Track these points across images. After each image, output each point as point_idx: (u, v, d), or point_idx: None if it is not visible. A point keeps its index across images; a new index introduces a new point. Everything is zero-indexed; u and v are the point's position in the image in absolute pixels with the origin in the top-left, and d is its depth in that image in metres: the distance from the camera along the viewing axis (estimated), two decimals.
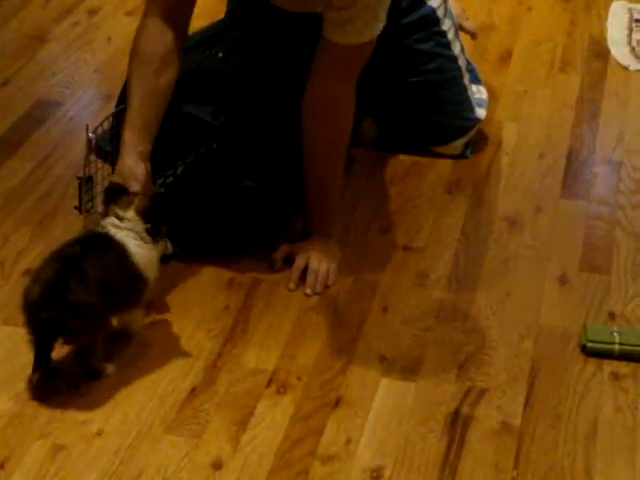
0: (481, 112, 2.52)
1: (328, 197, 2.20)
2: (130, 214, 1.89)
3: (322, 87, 2.09)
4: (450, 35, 2.45)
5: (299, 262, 2.15)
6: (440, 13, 2.43)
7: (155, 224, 1.90)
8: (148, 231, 1.90)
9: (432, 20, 2.42)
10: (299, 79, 2.14)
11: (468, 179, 2.46)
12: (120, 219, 1.89)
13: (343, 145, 2.17)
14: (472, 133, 2.52)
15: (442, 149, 2.51)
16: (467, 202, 2.38)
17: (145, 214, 1.89)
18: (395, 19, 2.22)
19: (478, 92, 2.55)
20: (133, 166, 1.96)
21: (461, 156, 2.51)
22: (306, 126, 2.12)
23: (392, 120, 2.54)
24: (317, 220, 2.20)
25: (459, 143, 2.51)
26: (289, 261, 2.16)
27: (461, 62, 2.48)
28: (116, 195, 1.92)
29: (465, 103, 2.49)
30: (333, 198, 2.22)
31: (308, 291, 2.12)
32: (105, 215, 1.91)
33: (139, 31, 2.07)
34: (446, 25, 2.44)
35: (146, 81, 2.02)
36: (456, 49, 2.47)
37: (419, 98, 2.47)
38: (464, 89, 2.49)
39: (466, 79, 2.49)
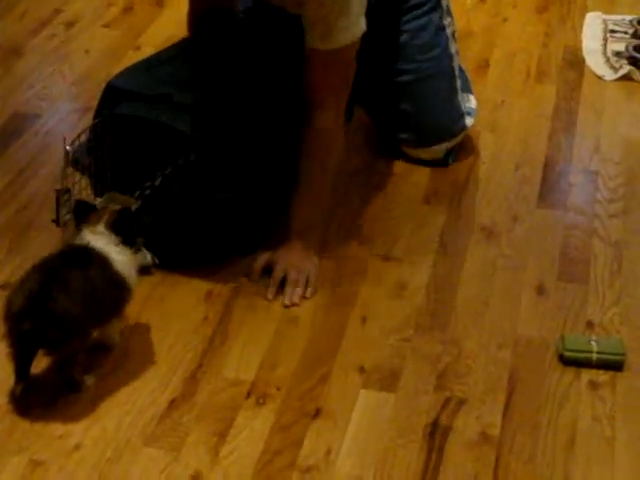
0: (469, 120, 2.52)
1: (316, 202, 2.23)
2: (100, 229, 1.89)
3: (318, 111, 2.18)
4: (449, 32, 2.46)
5: (277, 273, 2.14)
6: (444, 4, 2.45)
7: (127, 236, 1.90)
8: (122, 242, 1.90)
9: (435, 9, 2.44)
10: (280, 88, 2.16)
11: (446, 189, 2.46)
12: (94, 232, 1.89)
13: (335, 163, 2.25)
14: (457, 140, 2.51)
15: (424, 153, 2.50)
16: (445, 212, 2.39)
17: (115, 227, 1.89)
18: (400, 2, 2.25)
19: (468, 101, 2.55)
20: None
21: (442, 163, 2.51)
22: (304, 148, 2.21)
23: (380, 111, 2.54)
24: (301, 223, 2.20)
25: (442, 147, 2.50)
26: (268, 271, 2.16)
27: (455, 64, 2.49)
28: (86, 211, 1.93)
29: (454, 104, 2.49)
30: (321, 205, 2.24)
31: (287, 302, 2.11)
32: (78, 230, 1.91)
33: None
34: (447, 21, 2.46)
35: None
36: (452, 48, 2.48)
37: (410, 88, 2.46)
38: (454, 90, 2.49)
39: (457, 83, 2.50)
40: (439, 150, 2.51)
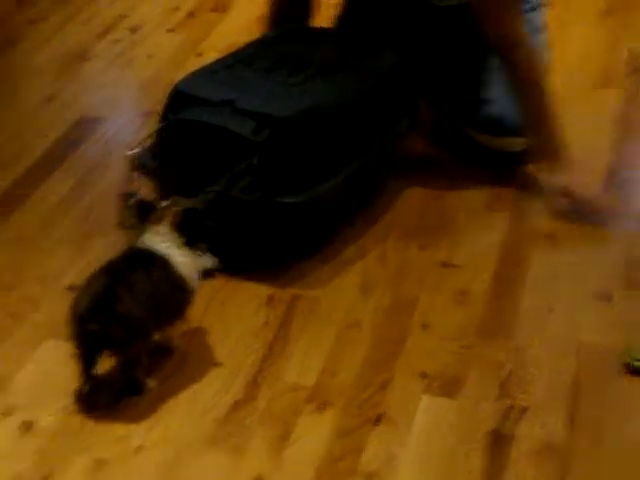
0: None
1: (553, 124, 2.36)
2: (163, 229, 1.90)
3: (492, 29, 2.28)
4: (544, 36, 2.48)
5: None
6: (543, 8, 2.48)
7: (190, 237, 1.92)
8: (185, 243, 1.91)
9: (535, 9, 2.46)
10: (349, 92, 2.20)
11: (508, 194, 2.44)
12: (156, 234, 1.90)
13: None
14: None
15: (502, 142, 2.48)
16: (507, 218, 2.37)
17: (178, 227, 1.91)
18: None
19: None
20: None
21: (513, 161, 2.48)
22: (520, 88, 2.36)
23: (456, 98, 2.51)
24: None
25: (519, 141, 2.46)
26: None
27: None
28: (147, 212, 1.94)
29: None
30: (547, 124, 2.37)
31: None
32: (141, 232, 1.93)
33: None
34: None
35: None
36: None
37: (498, 74, 2.44)
38: None
39: None
40: (515, 143, 2.48)
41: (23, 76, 2.79)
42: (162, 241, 1.90)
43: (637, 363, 1.97)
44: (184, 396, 1.90)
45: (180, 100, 2.18)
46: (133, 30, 2.98)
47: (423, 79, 2.44)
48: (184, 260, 1.91)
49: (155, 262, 1.88)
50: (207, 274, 1.99)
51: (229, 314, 2.09)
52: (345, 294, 2.15)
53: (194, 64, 2.55)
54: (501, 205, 2.41)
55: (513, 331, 2.08)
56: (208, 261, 1.99)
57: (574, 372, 1.99)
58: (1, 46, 2.85)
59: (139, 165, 2.16)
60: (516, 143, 2.47)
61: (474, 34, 2.37)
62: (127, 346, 1.84)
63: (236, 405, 1.89)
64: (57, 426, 1.82)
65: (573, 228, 2.34)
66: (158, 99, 2.26)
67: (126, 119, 2.67)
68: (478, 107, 2.48)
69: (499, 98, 2.45)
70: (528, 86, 2.35)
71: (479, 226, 2.35)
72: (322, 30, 2.55)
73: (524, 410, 1.90)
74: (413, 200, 2.42)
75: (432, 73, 2.49)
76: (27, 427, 1.82)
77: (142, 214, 1.95)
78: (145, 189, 2.19)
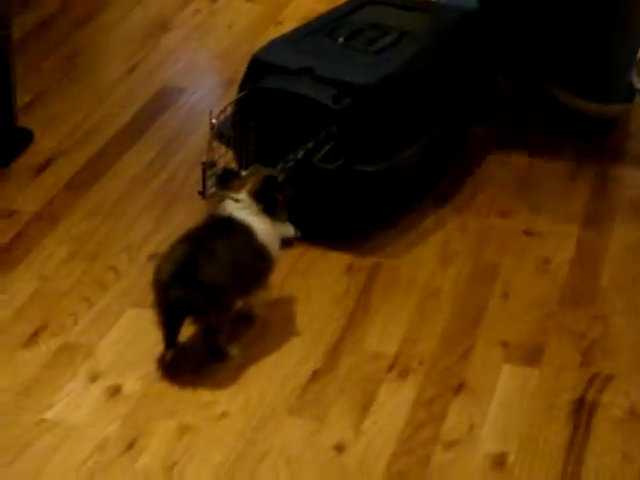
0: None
1: None
2: (243, 196, 1.91)
3: None
4: None
5: None
6: None
7: (268, 204, 1.92)
8: (263, 211, 1.92)
9: None
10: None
11: (591, 163, 2.42)
12: (235, 201, 1.91)
13: None
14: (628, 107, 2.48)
15: (600, 108, 2.45)
16: (590, 188, 2.35)
17: (257, 195, 1.91)
18: None
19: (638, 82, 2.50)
20: None
21: (603, 128, 2.46)
22: None
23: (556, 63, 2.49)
24: None
25: (616, 108, 2.46)
26: None
27: None
28: (228, 179, 1.96)
29: (631, 75, 2.46)
30: None
31: None
32: (222, 200, 1.94)
33: None
34: None
35: None
36: None
37: (609, 42, 2.42)
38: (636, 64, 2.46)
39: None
40: (612, 110, 2.46)
41: (106, 46, 2.82)
42: (242, 209, 1.91)
43: None
44: (266, 364, 1.91)
45: (259, 68, 2.19)
46: (213, 0, 2.99)
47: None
48: (265, 228, 1.92)
49: (236, 230, 1.89)
50: (286, 243, 2.00)
51: (310, 283, 2.09)
52: (425, 263, 2.15)
53: (273, 33, 2.56)
54: (584, 173, 2.40)
55: (595, 300, 2.07)
56: (288, 230, 2.00)
57: None
58: (85, 17, 2.88)
59: (220, 134, 2.17)
60: (611, 110, 2.45)
61: None
62: (209, 313, 1.86)
63: (317, 373, 1.90)
64: (142, 391, 1.85)
65: None
66: (238, 68, 2.27)
67: (207, 88, 2.68)
68: (584, 70, 2.45)
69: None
70: None
71: (562, 194, 2.34)
72: None
73: (607, 379, 1.89)
74: (493, 168, 2.41)
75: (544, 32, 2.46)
76: (113, 392, 1.85)
77: (223, 183, 1.97)
78: (226, 158, 2.20)
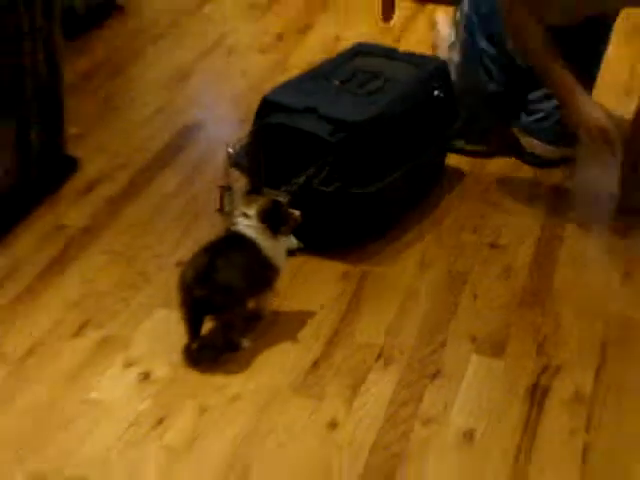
0: None
1: None
2: (251, 213, 1.91)
3: None
4: None
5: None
6: None
7: (274, 222, 1.91)
8: (268, 228, 1.91)
9: None
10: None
11: (546, 186, 2.42)
12: (246, 217, 1.90)
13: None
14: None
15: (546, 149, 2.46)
16: (545, 206, 2.34)
17: (265, 214, 1.90)
18: None
19: None
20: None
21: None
22: None
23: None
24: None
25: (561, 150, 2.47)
26: None
27: None
28: (242, 201, 1.96)
29: None
30: None
31: None
32: (235, 218, 1.93)
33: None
34: None
35: None
36: None
37: None
38: None
39: None
40: (554, 152, 2.46)
41: (139, 90, 2.80)
42: (251, 227, 1.90)
43: None
44: (273, 354, 1.91)
45: (268, 107, 2.18)
46: (230, 51, 2.98)
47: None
48: (268, 243, 1.91)
49: (246, 244, 1.89)
50: (291, 253, 2.00)
51: (310, 286, 2.09)
52: (406, 270, 2.14)
53: (280, 78, 2.54)
54: (539, 195, 2.39)
55: (548, 301, 2.06)
56: (292, 242, 2.00)
57: (601, 336, 1.97)
58: (122, 66, 2.87)
59: (235, 162, 2.17)
60: (555, 152, 2.46)
61: None
62: (226, 311, 1.86)
63: (316, 361, 1.89)
64: (169, 376, 1.84)
65: (600, 218, 2.33)
66: (251, 109, 2.25)
67: (223, 125, 2.67)
68: (533, 114, 2.46)
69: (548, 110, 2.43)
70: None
71: (521, 212, 2.33)
72: (388, 48, 2.55)
73: (557, 367, 1.89)
74: (464, 191, 2.40)
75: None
76: (144, 377, 1.84)
77: (237, 203, 1.96)
78: (240, 182, 2.20)
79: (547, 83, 2.29)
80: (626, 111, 2.51)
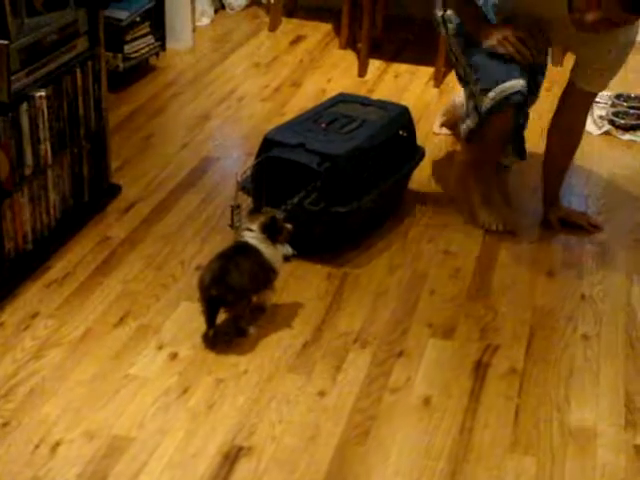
0: None
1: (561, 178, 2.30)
2: (254, 226, 1.91)
3: (565, 120, 2.19)
4: None
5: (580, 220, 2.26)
6: None
7: (272, 234, 1.91)
8: (268, 238, 1.90)
9: None
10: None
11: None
12: (251, 231, 1.91)
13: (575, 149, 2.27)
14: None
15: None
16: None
17: (266, 227, 1.90)
18: None
19: None
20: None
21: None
22: (551, 143, 2.22)
23: None
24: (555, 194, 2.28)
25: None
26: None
27: None
28: (249, 217, 1.97)
29: None
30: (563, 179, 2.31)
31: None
32: (243, 231, 1.92)
33: None
34: None
35: None
36: None
37: None
38: None
39: None
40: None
41: (170, 130, 2.79)
42: (255, 237, 1.90)
43: None
44: (273, 338, 1.91)
45: (268, 144, 2.18)
46: (240, 99, 2.97)
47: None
48: (269, 250, 1.91)
49: (251, 251, 1.89)
50: (286, 258, 1.99)
51: (302, 285, 2.08)
52: (378, 272, 2.14)
53: (279, 120, 2.56)
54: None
55: (489, 296, 2.07)
56: (287, 250, 2.00)
57: (530, 323, 1.98)
58: (156, 111, 2.86)
59: (242, 187, 2.17)
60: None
61: None
62: (235, 305, 1.86)
63: (307, 344, 1.89)
64: (192, 356, 1.84)
65: (529, 229, 2.31)
66: (256, 144, 2.26)
67: (234, 158, 2.65)
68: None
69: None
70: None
71: (466, 230, 2.31)
72: (363, 97, 2.56)
73: (496, 347, 1.90)
74: (424, 209, 2.39)
75: None
76: (173, 356, 1.84)
77: (245, 220, 1.96)
78: (247, 202, 2.20)
79: (462, 18, 2.21)
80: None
